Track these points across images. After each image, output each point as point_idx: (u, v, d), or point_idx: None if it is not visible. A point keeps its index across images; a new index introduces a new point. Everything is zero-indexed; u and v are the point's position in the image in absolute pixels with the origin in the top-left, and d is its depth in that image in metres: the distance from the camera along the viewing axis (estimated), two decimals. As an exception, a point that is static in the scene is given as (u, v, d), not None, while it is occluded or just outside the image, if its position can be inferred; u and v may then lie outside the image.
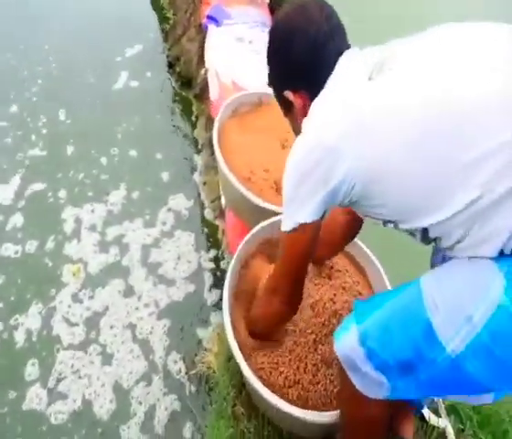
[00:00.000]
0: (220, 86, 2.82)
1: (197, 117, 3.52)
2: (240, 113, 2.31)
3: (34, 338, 2.35)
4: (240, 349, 1.42)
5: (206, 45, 3.12)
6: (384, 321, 1.01)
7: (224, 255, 2.79)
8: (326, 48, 1.04)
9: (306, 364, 1.47)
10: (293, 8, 1.09)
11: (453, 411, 1.61)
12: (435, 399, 1.57)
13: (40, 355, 2.30)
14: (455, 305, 0.90)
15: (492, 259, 0.88)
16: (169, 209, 2.98)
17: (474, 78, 0.84)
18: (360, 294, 1.65)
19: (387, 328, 0.99)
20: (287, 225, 1.07)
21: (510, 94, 0.82)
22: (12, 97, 3.50)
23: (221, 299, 2.50)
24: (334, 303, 1.59)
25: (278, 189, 2.07)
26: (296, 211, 1.04)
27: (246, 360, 1.41)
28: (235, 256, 1.67)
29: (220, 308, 2.50)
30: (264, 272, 1.59)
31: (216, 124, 2.15)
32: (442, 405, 1.57)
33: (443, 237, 0.94)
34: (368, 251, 1.74)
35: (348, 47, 1.07)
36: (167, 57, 3.88)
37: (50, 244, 2.70)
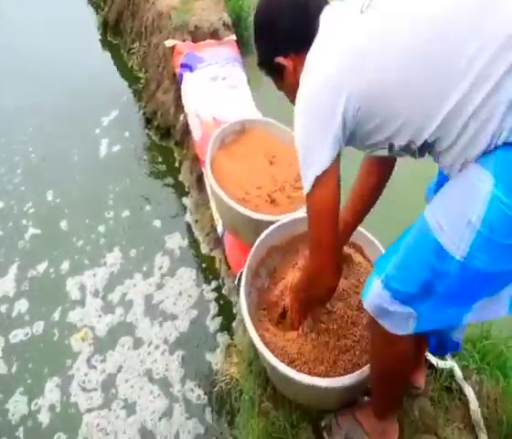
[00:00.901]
0: (202, 125, 3.05)
1: (180, 162, 3.73)
2: (227, 144, 2.53)
3: (57, 411, 2.45)
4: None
5: (182, 92, 3.35)
6: (400, 261, 1.17)
7: (225, 282, 2.97)
8: (308, 8, 1.23)
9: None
10: None
11: (456, 353, 1.80)
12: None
13: (66, 425, 2.41)
14: (456, 218, 1.07)
15: (477, 162, 1.05)
16: (165, 253, 3.15)
17: None
18: None
19: (404, 266, 1.16)
20: (308, 182, 1.17)
21: None
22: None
23: (226, 322, 2.68)
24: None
25: (272, 201, 2.28)
26: (313, 162, 1.16)
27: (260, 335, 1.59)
28: (246, 265, 1.81)
29: (226, 329, 2.68)
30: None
31: (207, 160, 2.35)
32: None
33: (441, 138, 1.08)
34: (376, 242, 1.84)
35: (327, 2, 1.25)
36: (144, 114, 4.08)
37: (57, 318, 2.80)
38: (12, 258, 3.10)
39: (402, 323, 1.20)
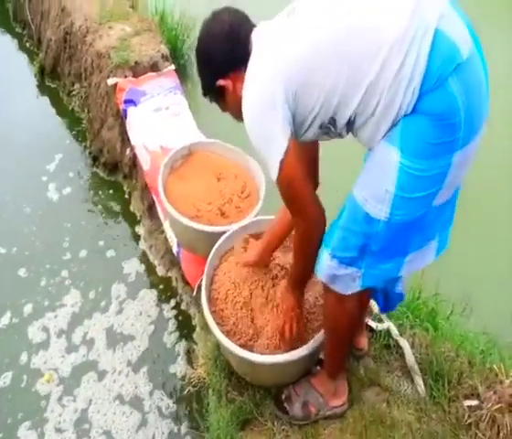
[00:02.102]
0: (150, 155, 3.29)
1: (129, 194, 3.96)
2: (176, 168, 2.78)
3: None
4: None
5: (128, 126, 3.58)
6: (341, 234, 1.50)
7: (182, 298, 3.23)
8: (237, 33, 1.53)
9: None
10: (206, 23, 1.59)
11: (392, 314, 2.19)
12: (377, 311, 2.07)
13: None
14: (376, 190, 1.41)
15: (386, 140, 1.38)
16: (123, 281, 3.36)
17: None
18: None
19: (344, 237, 1.50)
20: (274, 168, 1.44)
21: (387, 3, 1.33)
22: None
23: (187, 332, 2.94)
24: None
25: (222, 214, 2.56)
26: (273, 150, 1.43)
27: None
28: (205, 273, 2.10)
29: (186, 339, 2.94)
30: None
31: (160, 186, 2.59)
32: (384, 315, 2.09)
33: (359, 114, 1.39)
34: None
35: (254, 26, 1.56)
36: (90, 153, 4.26)
37: (23, 364, 2.93)
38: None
39: (350, 283, 1.55)
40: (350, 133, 1.51)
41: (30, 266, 3.46)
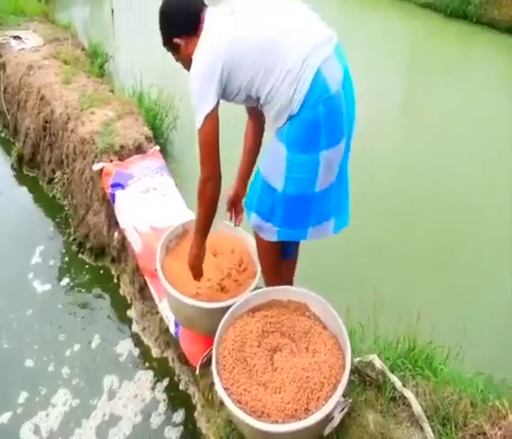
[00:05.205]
0: (141, 237, 3.53)
1: (118, 278, 4.15)
2: (172, 248, 2.96)
3: None
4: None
5: (116, 210, 3.82)
6: (257, 198, 2.36)
7: (180, 378, 3.40)
8: (194, 7, 2.24)
9: None
10: None
11: (394, 366, 2.54)
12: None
13: None
14: (274, 170, 2.24)
15: (278, 137, 2.22)
16: (118, 368, 3.49)
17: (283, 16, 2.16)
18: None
19: (259, 198, 2.35)
20: (199, 120, 2.12)
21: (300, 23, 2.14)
22: None
23: (189, 412, 3.09)
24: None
25: (223, 288, 2.74)
26: (203, 106, 2.10)
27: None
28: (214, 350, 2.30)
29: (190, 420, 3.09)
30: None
31: (158, 267, 2.77)
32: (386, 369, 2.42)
33: (268, 102, 2.18)
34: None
35: (206, 6, 2.25)
36: (74, 240, 4.44)
37: None
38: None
39: (270, 233, 2.40)
40: None
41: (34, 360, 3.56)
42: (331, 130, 2.13)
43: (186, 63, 2.26)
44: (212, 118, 2.12)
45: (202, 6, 2.24)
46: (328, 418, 2.10)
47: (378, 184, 4.93)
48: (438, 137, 5.92)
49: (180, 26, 2.23)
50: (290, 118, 2.12)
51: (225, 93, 2.18)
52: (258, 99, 2.20)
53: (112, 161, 4.07)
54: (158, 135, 4.89)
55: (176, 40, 2.25)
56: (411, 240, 4.34)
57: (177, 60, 2.37)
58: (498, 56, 8.74)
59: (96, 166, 4.03)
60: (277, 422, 2.00)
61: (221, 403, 2.59)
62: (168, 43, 2.30)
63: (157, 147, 4.29)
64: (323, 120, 2.08)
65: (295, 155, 2.14)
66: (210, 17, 2.20)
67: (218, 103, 2.14)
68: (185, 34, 2.23)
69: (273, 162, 2.22)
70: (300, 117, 2.09)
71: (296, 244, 2.83)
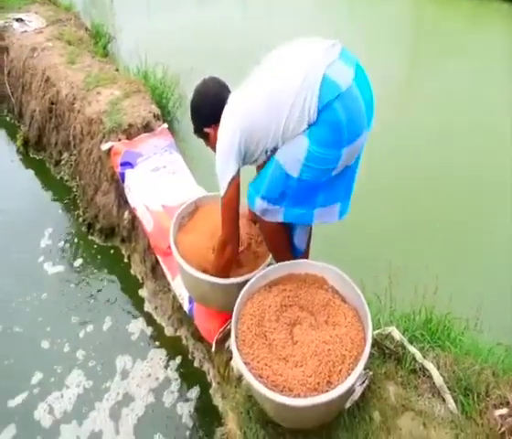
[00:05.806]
0: (153, 215, 3.52)
1: (129, 257, 4.15)
2: (184, 224, 2.97)
3: None
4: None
5: (126, 189, 3.81)
6: (268, 183, 2.35)
7: (194, 356, 3.41)
8: (220, 98, 2.42)
9: None
10: (198, 88, 2.50)
11: (413, 339, 2.52)
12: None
13: None
14: (292, 158, 2.24)
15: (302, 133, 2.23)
16: (131, 347, 3.51)
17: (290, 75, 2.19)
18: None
19: (270, 188, 2.35)
20: (223, 188, 2.31)
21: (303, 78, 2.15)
22: None
23: (204, 388, 3.11)
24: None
25: (238, 262, 2.73)
26: (225, 175, 2.29)
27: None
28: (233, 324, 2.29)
29: (204, 396, 3.10)
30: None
31: (172, 244, 2.77)
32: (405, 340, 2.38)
33: (286, 138, 2.26)
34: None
35: (230, 92, 2.45)
36: (84, 221, 4.45)
37: None
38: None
39: (276, 215, 2.42)
40: None
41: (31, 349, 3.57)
42: (351, 125, 2.18)
43: (214, 146, 2.43)
44: (234, 185, 2.31)
45: (227, 94, 2.44)
46: (350, 391, 2.10)
47: (391, 159, 4.89)
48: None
49: (208, 116, 2.45)
50: (309, 126, 2.19)
51: (246, 158, 2.36)
52: (275, 148, 2.31)
53: (120, 140, 4.05)
54: (165, 114, 4.86)
55: (206, 130, 2.48)
56: (423, 213, 4.31)
57: (207, 145, 2.59)
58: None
59: (104, 146, 4.02)
60: (299, 395, 1.99)
61: (239, 379, 2.59)
62: (199, 132, 2.54)
63: (165, 125, 4.26)
64: (342, 117, 2.14)
65: (318, 148, 2.19)
66: (230, 101, 2.40)
67: (239, 171, 2.32)
68: (213, 123, 2.43)
69: (293, 150, 2.25)
70: (320, 120, 2.16)
71: (308, 239, 2.83)
